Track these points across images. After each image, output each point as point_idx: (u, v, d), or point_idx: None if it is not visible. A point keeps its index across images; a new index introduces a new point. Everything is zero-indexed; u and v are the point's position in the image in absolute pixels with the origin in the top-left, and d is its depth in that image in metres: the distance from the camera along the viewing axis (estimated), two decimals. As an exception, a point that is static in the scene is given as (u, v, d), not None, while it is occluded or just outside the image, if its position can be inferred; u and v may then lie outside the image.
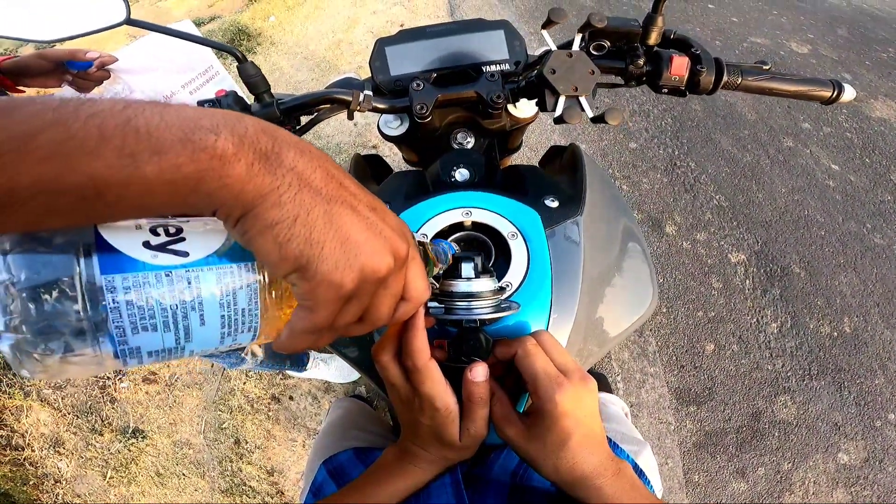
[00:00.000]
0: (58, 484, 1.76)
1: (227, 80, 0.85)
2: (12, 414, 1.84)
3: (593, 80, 0.55)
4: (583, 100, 0.55)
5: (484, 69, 0.64)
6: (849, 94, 0.62)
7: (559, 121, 0.53)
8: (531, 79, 0.58)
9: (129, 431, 1.78)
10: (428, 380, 0.39)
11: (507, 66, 0.65)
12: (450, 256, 0.42)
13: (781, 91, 0.62)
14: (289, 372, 1.70)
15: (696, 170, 2.16)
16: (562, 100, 0.54)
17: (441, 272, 0.42)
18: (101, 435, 1.77)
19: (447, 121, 0.69)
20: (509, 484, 0.49)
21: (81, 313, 0.22)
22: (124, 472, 1.74)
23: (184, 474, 1.73)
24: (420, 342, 0.38)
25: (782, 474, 1.56)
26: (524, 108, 0.70)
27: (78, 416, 1.81)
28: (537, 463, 0.40)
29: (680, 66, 0.59)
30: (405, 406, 0.43)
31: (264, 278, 0.27)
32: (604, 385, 1.57)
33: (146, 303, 0.23)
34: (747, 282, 1.88)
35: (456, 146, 0.69)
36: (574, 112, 0.53)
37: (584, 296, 0.53)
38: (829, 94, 0.61)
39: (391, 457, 0.47)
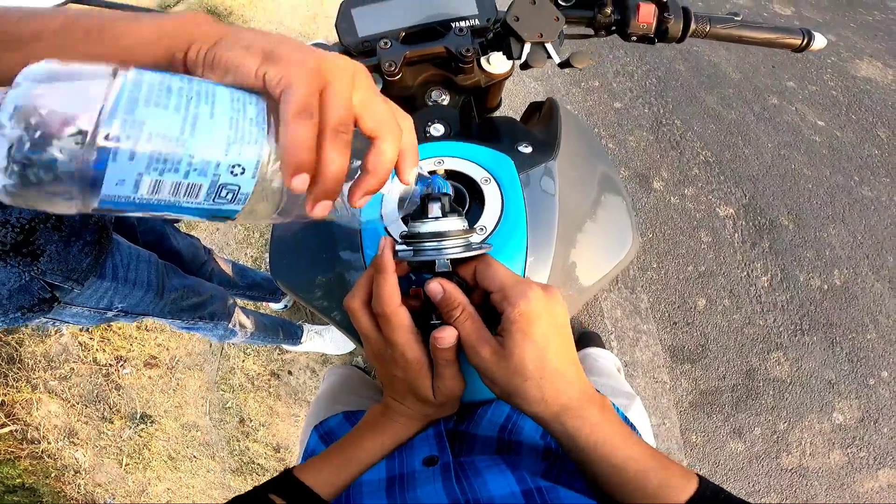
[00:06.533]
0: (78, 475, 1.81)
1: None
2: (23, 408, 1.87)
3: (558, 26, 0.56)
4: (549, 46, 0.56)
5: (453, 25, 0.64)
6: (819, 41, 0.63)
7: (525, 66, 0.54)
8: (497, 29, 0.59)
9: (138, 417, 1.81)
10: (398, 328, 0.38)
11: (477, 22, 0.66)
12: (445, 189, 0.42)
13: (751, 39, 0.63)
14: (284, 346, 1.73)
15: (682, 127, 2.16)
16: (527, 46, 0.55)
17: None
18: (112, 423, 1.81)
19: (421, 79, 0.70)
20: (497, 438, 0.48)
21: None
22: (138, 458, 1.78)
23: (195, 456, 1.77)
24: (389, 287, 0.38)
25: (778, 434, 1.57)
26: (497, 64, 0.71)
27: (87, 406, 1.85)
28: (517, 391, 0.37)
29: (647, 13, 0.60)
30: (379, 360, 0.42)
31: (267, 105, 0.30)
32: (597, 342, 1.59)
33: (163, 84, 0.26)
34: (736, 235, 1.89)
35: (431, 103, 0.70)
36: (539, 56, 0.54)
37: (561, 239, 0.52)
38: (798, 41, 0.62)
39: (375, 413, 0.47)
